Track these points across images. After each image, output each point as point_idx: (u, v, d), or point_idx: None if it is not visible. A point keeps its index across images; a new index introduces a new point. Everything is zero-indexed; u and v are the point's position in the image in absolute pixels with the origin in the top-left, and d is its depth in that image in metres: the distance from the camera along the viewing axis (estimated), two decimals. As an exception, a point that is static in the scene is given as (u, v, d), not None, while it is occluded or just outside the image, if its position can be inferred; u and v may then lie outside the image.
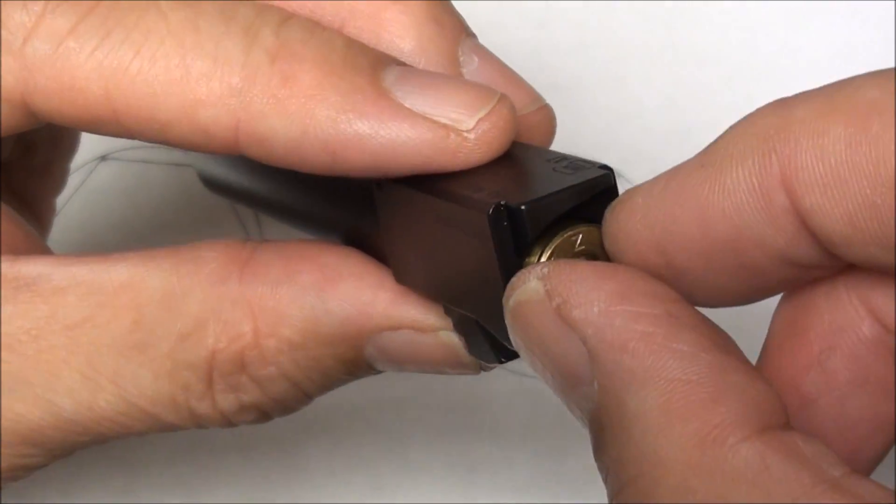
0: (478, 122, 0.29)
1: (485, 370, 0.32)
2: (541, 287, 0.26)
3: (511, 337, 0.27)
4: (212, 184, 0.39)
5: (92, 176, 0.49)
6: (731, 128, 0.26)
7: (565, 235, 0.27)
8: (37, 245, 0.34)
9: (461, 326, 0.31)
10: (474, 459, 0.46)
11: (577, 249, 0.28)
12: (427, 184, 0.29)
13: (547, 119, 0.33)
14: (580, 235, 0.28)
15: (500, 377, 0.46)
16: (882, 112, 0.24)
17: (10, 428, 0.32)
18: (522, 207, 0.27)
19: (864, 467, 0.28)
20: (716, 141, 0.26)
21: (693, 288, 0.27)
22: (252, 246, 0.32)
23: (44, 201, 0.39)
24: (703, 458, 0.23)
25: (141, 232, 0.48)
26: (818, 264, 0.26)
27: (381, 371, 0.32)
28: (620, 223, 0.27)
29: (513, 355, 0.30)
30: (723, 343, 0.25)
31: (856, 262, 0.26)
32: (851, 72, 0.26)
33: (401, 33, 0.32)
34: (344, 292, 0.31)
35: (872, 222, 0.24)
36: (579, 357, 0.25)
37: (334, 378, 0.32)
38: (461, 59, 0.32)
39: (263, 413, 0.33)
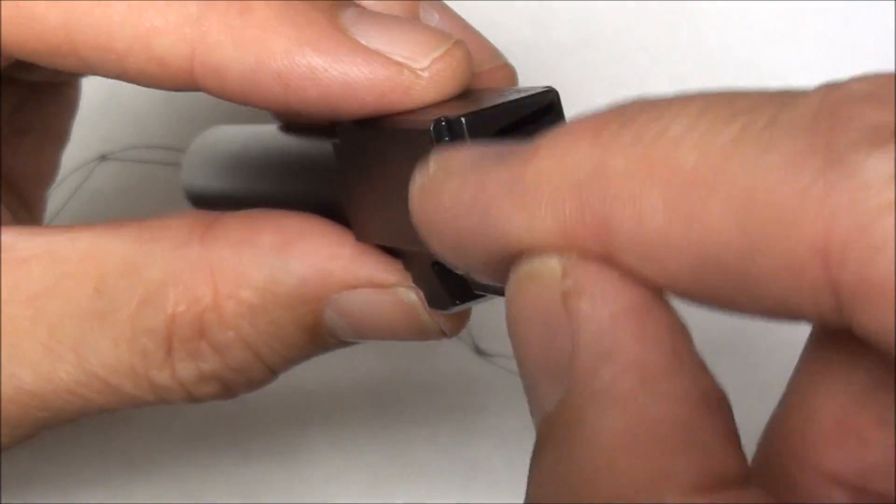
0: (432, 62, 0.29)
1: (446, 336, 0.32)
2: (558, 266, 0.24)
3: (507, 310, 0.25)
4: (195, 200, 0.40)
5: (92, 176, 0.49)
6: (550, 141, 0.23)
7: None
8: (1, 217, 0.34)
9: (419, 279, 0.31)
10: (474, 459, 0.46)
11: None
12: (380, 124, 0.30)
13: (508, 78, 0.33)
14: None
15: (500, 377, 0.46)
16: (700, 186, 0.21)
17: None
18: (462, 119, 0.27)
19: None
20: (529, 152, 0.24)
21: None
22: (217, 214, 0.32)
23: (34, 192, 0.38)
24: (637, 496, 0.21)
25: (141, 232, 0.48)
26: None
27: (345, 342, 0.32)
28: (426, 210, 0.25)
29: (466, 296, 0.30)
30: (715, 401, 0.23)
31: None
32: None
33: None
34: (304, 251, 0.31)
35: (697, 285, 0.22)
36: (560, 353, 0.23)
37: (295, 348, 0.32)
38: (421, 15, 0.32)
39: (225, 385, 0.32)
